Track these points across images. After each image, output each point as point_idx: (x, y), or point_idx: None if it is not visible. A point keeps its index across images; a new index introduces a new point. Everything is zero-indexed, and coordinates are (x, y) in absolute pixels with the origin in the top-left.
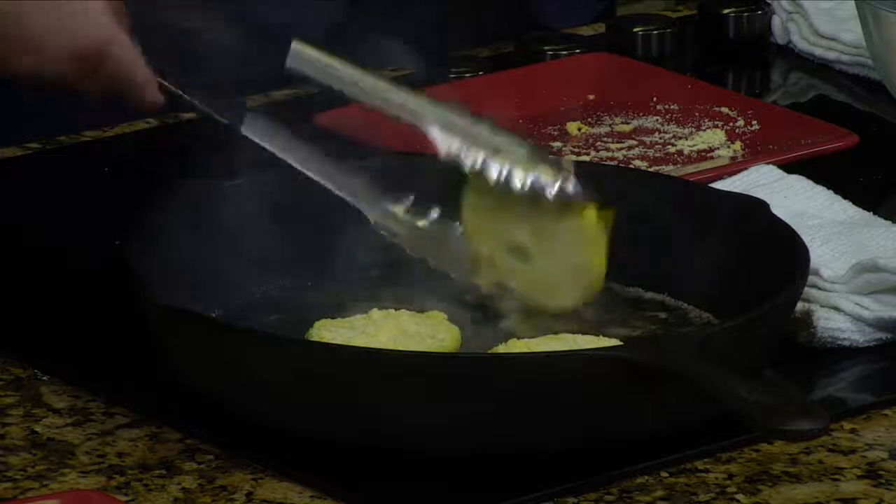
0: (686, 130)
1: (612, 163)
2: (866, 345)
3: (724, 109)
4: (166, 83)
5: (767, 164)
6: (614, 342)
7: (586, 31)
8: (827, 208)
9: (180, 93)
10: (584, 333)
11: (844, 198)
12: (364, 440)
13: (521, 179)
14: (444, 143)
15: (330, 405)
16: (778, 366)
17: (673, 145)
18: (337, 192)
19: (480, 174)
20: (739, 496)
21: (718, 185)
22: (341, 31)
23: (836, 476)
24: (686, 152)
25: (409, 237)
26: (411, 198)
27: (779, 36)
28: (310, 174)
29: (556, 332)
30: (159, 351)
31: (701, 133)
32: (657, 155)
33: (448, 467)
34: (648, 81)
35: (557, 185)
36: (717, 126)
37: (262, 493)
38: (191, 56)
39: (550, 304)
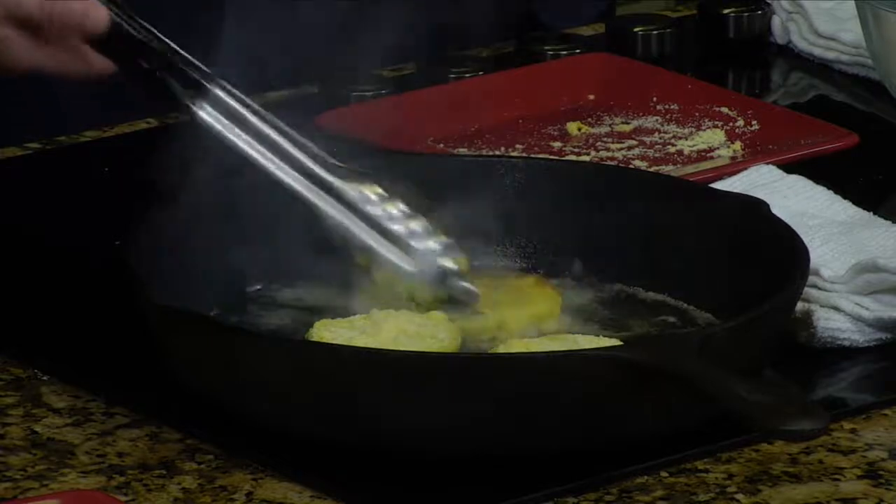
0: (686, 130)
1: (612, 163)
2: (866, 345)
3: (724, 109)
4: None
5: (767, 164)
6: (614, 342)
7: (586, 31)
8: (827, 208)
9: (123, 21)
10: (584, 333)
11: (844, 198)
12: (364, 440)
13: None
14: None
15: (330, 405)
16: (778, 366)
17: (673, 145)
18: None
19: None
20: (739, 496)
21: (718, 185)
22: (341, 31)
23: (836, 476)
24: (686, 152)
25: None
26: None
27: (779, 36)
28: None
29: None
30: (159, 351)
31: (701, 133)
32: (657, 155)
33: (448, 467)
34: (648, 81)
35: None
36: (717, 126)
37: (262, 493)
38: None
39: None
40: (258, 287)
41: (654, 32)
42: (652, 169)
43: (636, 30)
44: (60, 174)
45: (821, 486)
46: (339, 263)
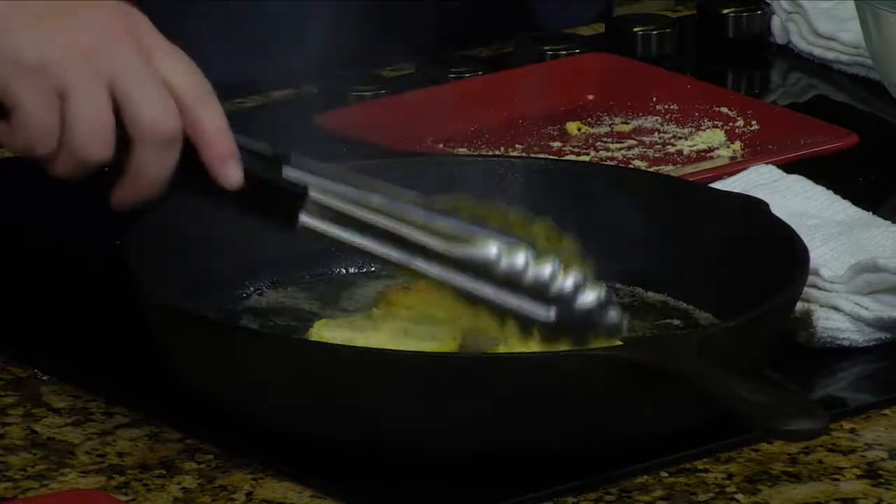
0: (685, 130)
1: (611, 163)
2: (866, 345)
3: (724, 109)
4: None
5: (767, 164)
6: (614, 342)
7: (586, 31)
8: (827, 208)
9: None
10: None
11: (844, 198)
12: (364, 440)
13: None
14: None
15: (330, 405)
16: (778, 366)
17: (672, 145)
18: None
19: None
20: (739, 496)
21: (718, 185)
22: (341, 31)
23: (836, 476)
24: (686, 152)
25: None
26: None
27: (778, 36)
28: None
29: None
30: (159, 351)
31: (700, 133)
32: (657, 155)
33: (448, 467)
34: (648, 81)
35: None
36: (716, 126)
37: (262, 493)
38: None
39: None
40: (258, 287)
41: (654, 32)
42: (651, 169)
43: (636, 30)
44: None
45: (820, 486)
46: (340, 263)
